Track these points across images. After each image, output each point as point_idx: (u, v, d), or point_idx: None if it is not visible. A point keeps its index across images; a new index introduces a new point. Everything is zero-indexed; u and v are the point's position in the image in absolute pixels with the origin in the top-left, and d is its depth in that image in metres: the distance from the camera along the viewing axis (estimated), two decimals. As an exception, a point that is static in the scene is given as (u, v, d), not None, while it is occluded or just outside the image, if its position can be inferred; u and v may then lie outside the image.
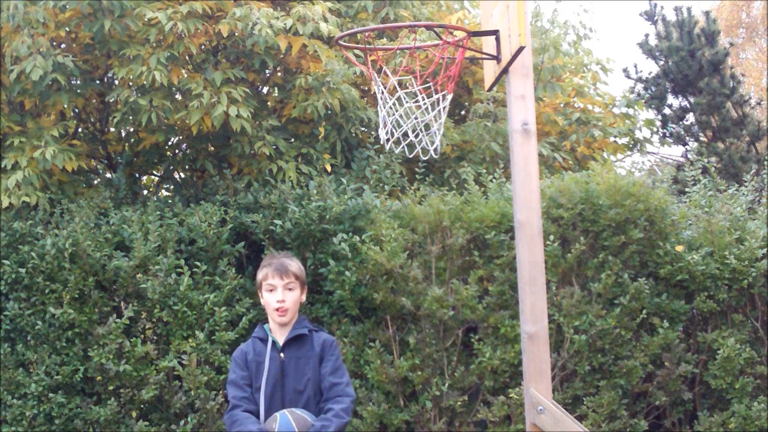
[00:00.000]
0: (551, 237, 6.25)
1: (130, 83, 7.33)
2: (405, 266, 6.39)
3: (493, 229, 6.44)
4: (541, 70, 7.84)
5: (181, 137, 7.97)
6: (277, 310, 3.82)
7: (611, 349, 6.36)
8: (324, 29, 6.98)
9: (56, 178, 7.16)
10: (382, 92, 4.91)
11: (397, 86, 4.86)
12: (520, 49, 4.51)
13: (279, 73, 8.03)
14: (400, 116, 4.90)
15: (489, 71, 5.19)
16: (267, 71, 7.95)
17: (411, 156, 5.06)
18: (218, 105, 6.80)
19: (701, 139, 11.95)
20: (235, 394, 3.82)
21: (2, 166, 6.86)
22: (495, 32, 4.87)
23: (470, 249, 6.51)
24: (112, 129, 8.12)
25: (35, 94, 7.07)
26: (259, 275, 3.90)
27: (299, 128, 7.79)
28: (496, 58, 4.89)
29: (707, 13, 12.21)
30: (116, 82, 7.63)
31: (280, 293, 3.83)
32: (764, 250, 6.49)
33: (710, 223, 6.58)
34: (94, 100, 8.09)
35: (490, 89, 5.38)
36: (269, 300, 3.85)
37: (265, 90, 8.30)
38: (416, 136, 4.97)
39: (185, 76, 7.28)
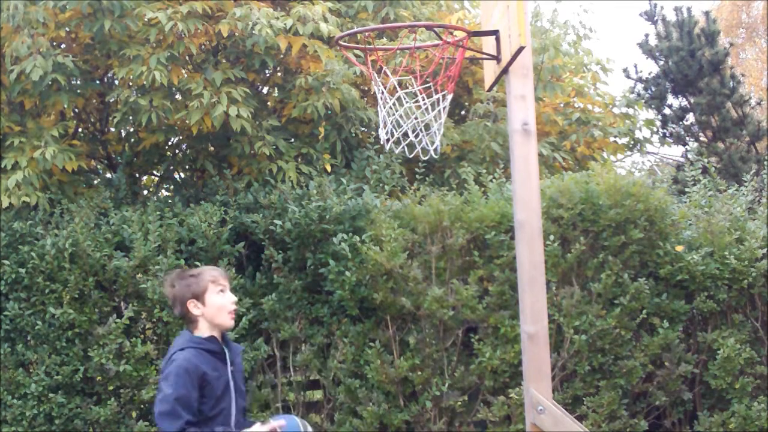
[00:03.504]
0: (551, 237, 6.25)
1: (130, 83, 7.33)
2: (405, 266, 6.39)
3: (493, 229, 6.43)
4: (541, 70, 7.83)
5: (181, 137, 7.97)
6: (231, 312, 3.59)
7: (611, 349, 6.36)
8: (324, 29, 6.98)
9: (56, 178, 7.16)
10: (382, 92, 4.91)
11: (397, 86, 4.86)
12: (520, 49, 4.51)
13: (279, 73, 8.03)
14: (400, 116, 4.90)
15: (489, 71, 5.19)
16: (267, 71, 7.95)
17: (411, 156, 5.06)
18: (218, 105, 6.80)
19: (701, 139, 11.95)
20: (189, 418, 3.36)
21: (2, 166, 6.87)
22: (495, 32, 4.87)
23: (470, 249, 6.51)
24: (112, 129, 8.13)
25: (35, 94, 7.07)
26: (203, 281, 3.56)
27: (299, 128, 7.79)
28: (496, 58, 4.89)
29: (707, 13, 12.20)
30: (116, 82, 7.63)
31: (232, 294, 3.63)
32: (764, 250, 6.49)
33: (710, 223, 6.58)
34: (94, 100, 8.10)
35: (490, 89, 5.38)
36: (222, 302, 3.56)
37: (265, 90, 8.30)
38: (416, 136, 4.97)
39: (185, 76, 7.28)
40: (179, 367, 3.38)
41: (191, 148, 7.96)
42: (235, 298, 3.63)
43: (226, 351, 3.57)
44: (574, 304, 6.31)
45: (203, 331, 3.54)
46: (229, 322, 3.58)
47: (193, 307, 3.53)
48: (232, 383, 3.53)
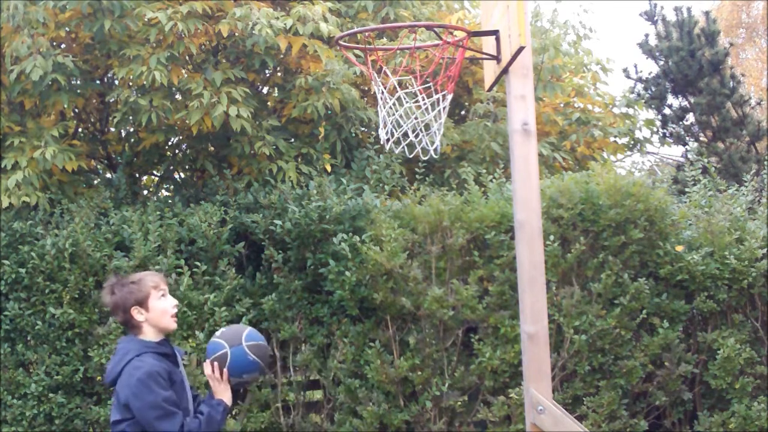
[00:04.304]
0: (551, 237, 6.25)
1: (130, 83, 7.34)
2: (405, 266, 6.39)
3: (493, 229, 6.43)
4: (541, 70, 7.84)
5: (181, 137, 7.97)
6: (174, 315, 3.61)
7: (611, 349, 6.36)
8: (324, 29, 6.98)
9: (56, 178, 7.16)
10: (382, 92, 4.91)
11: (397, 86, 4.85)
12: (520, 49, 4.51)
13: (279, 73, 8.04)
14: (400, 116, 4.90)
15: (489, 71, 5.19)
16: (267, 71, 7.95)
17: (411, 156, 5.06)
18: (218, 105, 6.80)
19: (701, 139, 11.95)
20: (180, 412, 3.42)
21: (2, 166, 6.87)
22: (495, 32, 4.87)
23: (470, 249, 6.50)
24: (112, 129, 8.13)
25: (35, 94, 7.07)
26: (145, 287, 3.55)
27: (299, 128, 7.79)
28: (496, 58, 4.89)
29: (707, 13, 12.21)
30: (116, 82, 7.64)
31: (172, 297, 3.64)
32: (764, 250, 6.49)
33: (710, 223, 6.58)
34: (94, 100, 8.10)
35: (490, 89, 5.38)
36: (165, 306, 3.57)
37: (265, 90, 8.30)
38: (416, 136, 4.97)
39: (185, 76, 7.29)
40: (150, 373, 3.39)
41: (191, 148, 7.96)
42: (176, 302, 3.65)
43: (176, 353, 3.62)
44: (574, 304, 6.31)
45: (149, 335, 3.56)
46: (173, 325, 3.61)
47: (137, 313, 3.53)
48: (186, 382, 3.60)
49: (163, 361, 3.49)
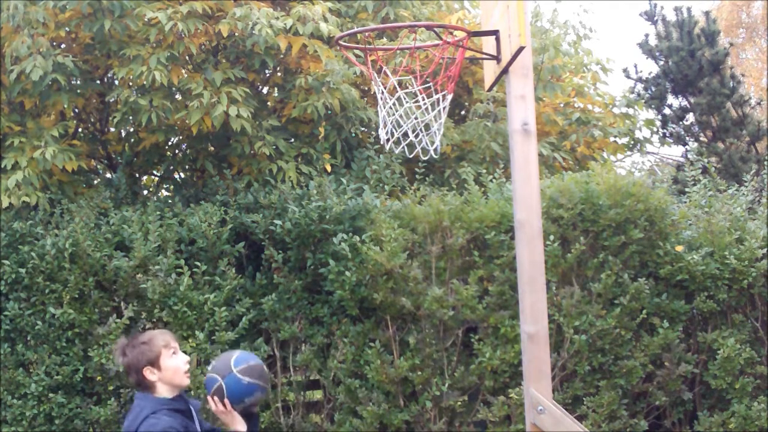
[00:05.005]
0: (551, 237, 6.25)
1: (130, 83, 7.34)
2: (405, 266, 6.39)
3: (493, 229, 6.43)
4: (541, 70, 7.84)
5: (181, 137, 7.97)
6: (186, 372, 3.59)
7: (611, 349, 6.36)
8: (324, 29, 6.98)
9: (56, 178, 7.17)
10: (382, 92, 4.91)
11: (397, 86, 4.85)
12: (520, 49, 4.51)
13: (279, 73, 8.04)
14: (400, 116, 4.90)
15: (489, 71, 5.19)
16: (267, 71, 7.95)
17: (411, 156, 5.06)
18: (218, 105, 6.80)
19: (701, 139, 11.95)
20: None
21: (2, 166, 6.87)
22: (495, 32, 4.87)
23: (470, 249, 6.50)
24: (112, 129, 8.13)
25: (35, 94, 7.07)
26: (156, 347, 3.55)
27: (299, 128, 7.79)
28: (496, 58, 4.89)
29: (707, 13, 12.21)
30: (116, 82, 7.64)
31: (183, 354, 3.63)
32: (764, 250, 6.49)
33: (710, 223, 6.59)
34: (94, 100, 8.10)
35: (490, 89, 5.38)
36: (178, 364, 3.56)
37: (265, 90, 8.30)
38: (416, 136, 4.97)
39: (185, 76, 7.29)
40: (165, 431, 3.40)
41: (191, 148, 7.96)
42: (188, 357, 3.64)
43: (192, 409, 3.62)
44: (574, 304, 6.31)
45: (163, 393, 3.55)
46: (186, 381, 3.61)
47: (150, 373, 3.53)
48: None
49: (178, 418, 3.49)
